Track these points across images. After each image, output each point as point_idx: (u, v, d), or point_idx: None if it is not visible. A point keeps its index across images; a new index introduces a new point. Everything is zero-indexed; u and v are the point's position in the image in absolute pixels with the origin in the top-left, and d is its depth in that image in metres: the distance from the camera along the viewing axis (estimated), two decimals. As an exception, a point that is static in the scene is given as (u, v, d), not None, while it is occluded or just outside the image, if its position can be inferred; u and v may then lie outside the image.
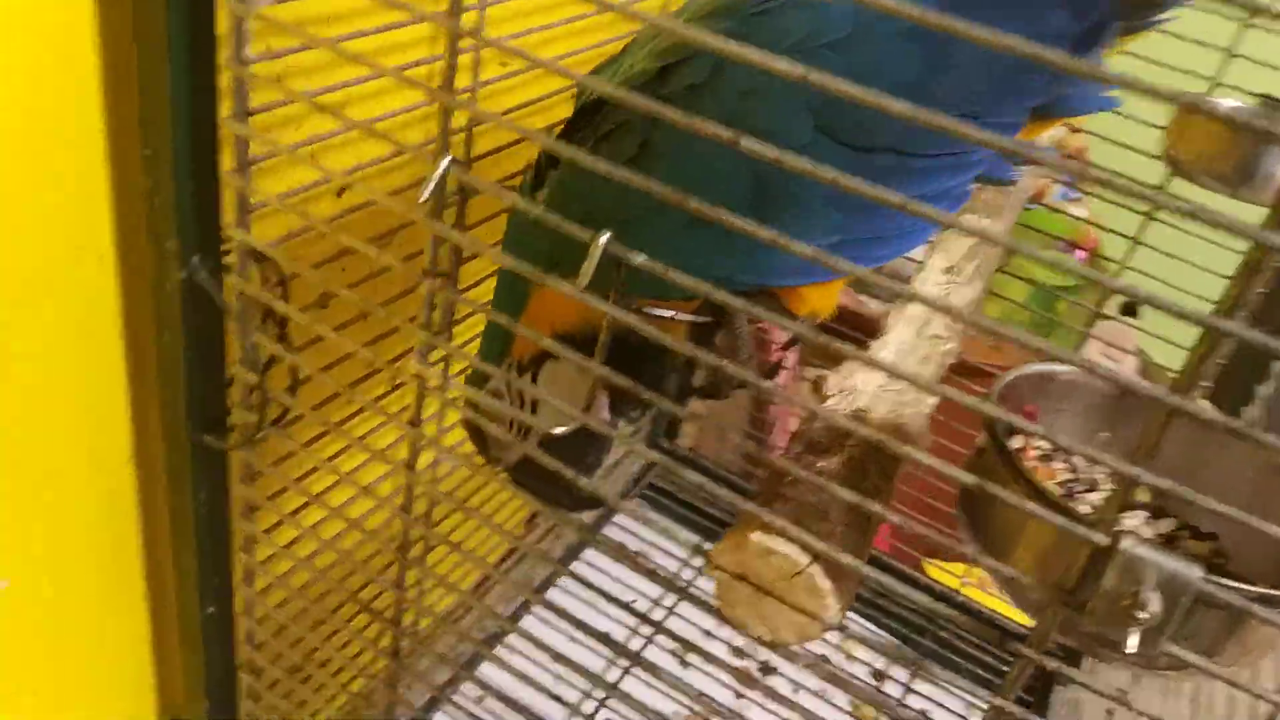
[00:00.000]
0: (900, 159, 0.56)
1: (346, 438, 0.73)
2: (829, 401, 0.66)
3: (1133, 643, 0.43)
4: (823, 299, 0.63)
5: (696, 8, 0.61)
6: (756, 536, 0.52)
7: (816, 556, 0.52)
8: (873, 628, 1.49)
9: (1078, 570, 0.45)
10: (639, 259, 0.50)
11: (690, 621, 1.43)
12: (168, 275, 0.68)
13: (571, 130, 0.67)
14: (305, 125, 0.77)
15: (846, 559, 0.49)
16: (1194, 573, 0.42)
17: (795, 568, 0.51)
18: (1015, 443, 0.59)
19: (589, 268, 0.50)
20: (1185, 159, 1.07)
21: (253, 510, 0.80)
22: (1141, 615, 0.43)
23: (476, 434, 0.76)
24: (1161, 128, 1.03)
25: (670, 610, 1.43)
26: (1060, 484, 0.59)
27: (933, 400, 0.72)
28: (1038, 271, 1.80)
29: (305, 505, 0.82)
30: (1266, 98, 1.12)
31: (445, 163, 0.53)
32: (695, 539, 1.53)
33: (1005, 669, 1.43)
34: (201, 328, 0.71)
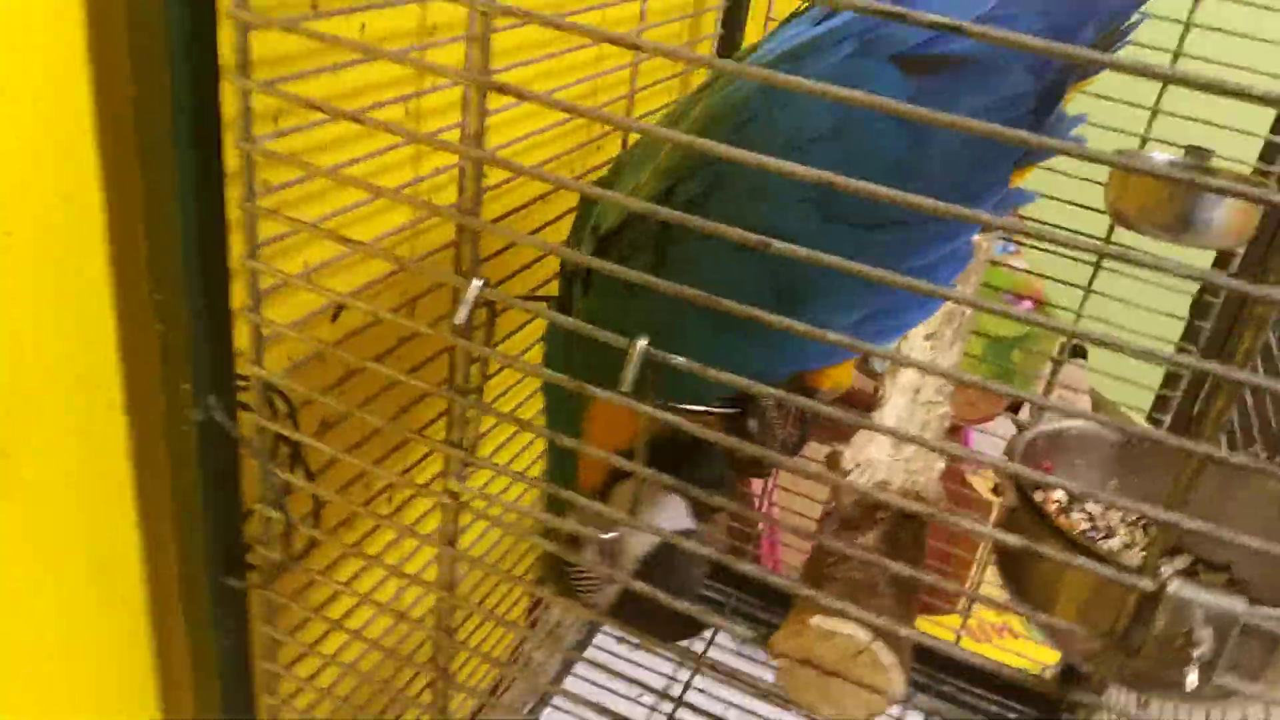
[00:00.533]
0: (906, 229, 0.60)
1: (370, 559, 0.73)
2: (849, 477, 0.68)
3: (1191, 679, 0.45)
4: (843, 372, 0.65)
5: (688, 124, 0.65)
6: (816, 621, 0.54)
7: (877, 633, 0.53)
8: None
9: (1127, 616, 0.48)
10: (678, 360, 0.52)
11: (709, 694, 1.43)
12: (183, 417, 0.68)
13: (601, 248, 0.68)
14: (304, 252, 0.79)
15: (907, 631, 0.51)
16: (1239, 605, 0.45)
17: (858, 646, 0.53)
18: (1036, 497, 0.62)
19: (629, 372, 0.52)
20: (1128, 212, 1.14)
21: (275, 646, 0.79)
22: (1196, 652, 0.45)
23: (559, 575, 0.76)
24: (1103, 184, 1.10)
25: (686, 685, 1.43)
26: (1081, 533, 0.62)
27: (940, 465, 0.75)
28: (990, 324, 1.87)
29: (327, 633, 0.81)
30: (1192, 148, 1.20)
31: (477, 285, 0.55)
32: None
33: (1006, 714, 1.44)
34: (219, 467, 0.71)
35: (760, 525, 1.71)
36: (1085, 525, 0.62)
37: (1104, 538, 0.62)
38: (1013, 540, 0.48)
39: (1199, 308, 1.34)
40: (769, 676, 1.47)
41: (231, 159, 0.63)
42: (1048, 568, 0.55)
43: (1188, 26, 1.17)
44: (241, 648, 0.78)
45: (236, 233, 0.66)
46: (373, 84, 0.81)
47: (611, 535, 0.58)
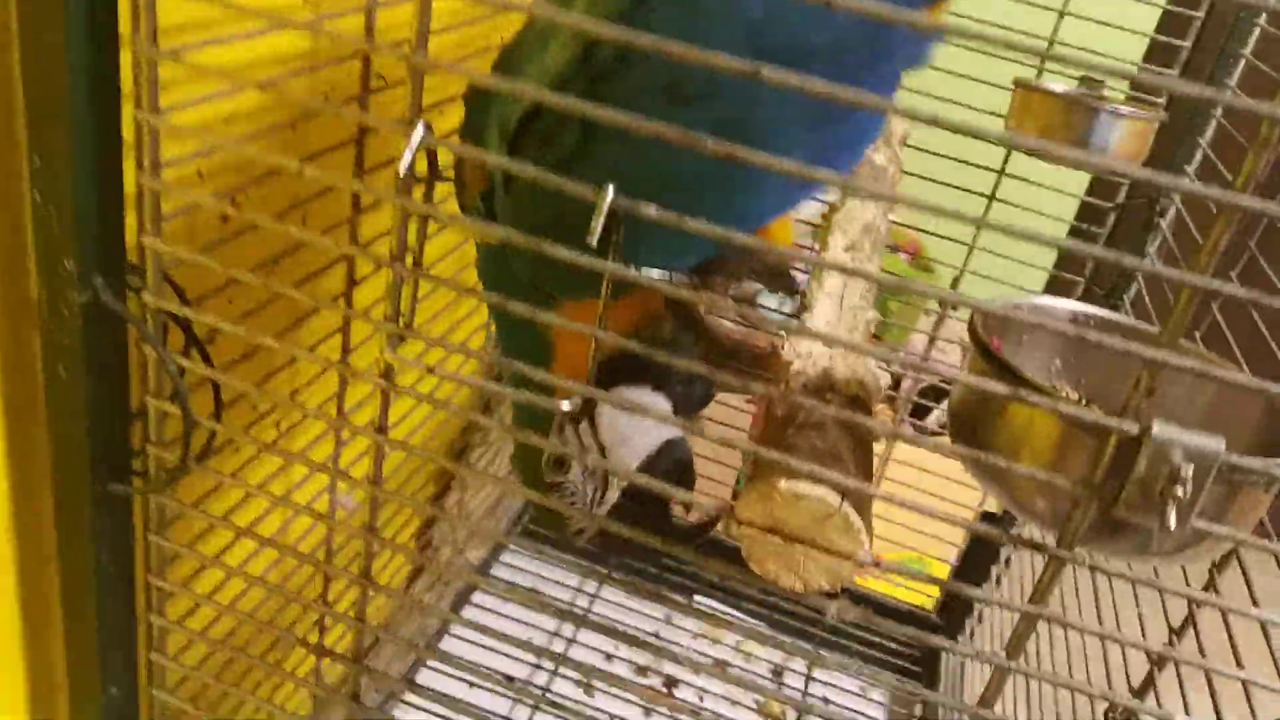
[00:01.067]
0: (837, 65, 0.57)
1: (282, 453, 0.67)
2: (794, 366, 0.67)
3: (1172, 519, 0.45)
4: (783, 231, 0.64)
5: None
6: (785, 484, 0.52)
7: (845, 495, 0.52)
8: (765, 627, 1.51)
9: (1107, 462, 0.47)
10: (650, 209, 0.49)
11: (592, 648, 1.41)
12: (64, 299, 0.60)
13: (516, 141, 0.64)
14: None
15: (877, 492, 0.50)
16: (1218, 445, 0.45)
17: (828, 510, 0.51)
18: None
19: (598, 222, 0.49)
20: (1028, 135, 1.17)
21: (167, 562, 0.71)
22: (1179, 491, 0.45)
23: (546, 509, 0.72)
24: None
25: (570, 640, 1.40)
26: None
27: (873, 361, 0.75)
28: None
29: (231, 544, 0.74)
30: (1086, 78, 1.25)
31: (420, 131, 0.50)
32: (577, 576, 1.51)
33: (895, 646, 1.48)
34: (104, 357, 0.63)
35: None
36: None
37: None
38: (1000, 389, 0.47)
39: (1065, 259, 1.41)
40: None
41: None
42: (1009, 429, 0.55)
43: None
44: (125, 564, 0.70)
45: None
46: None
47: (572, 403, 0.55)
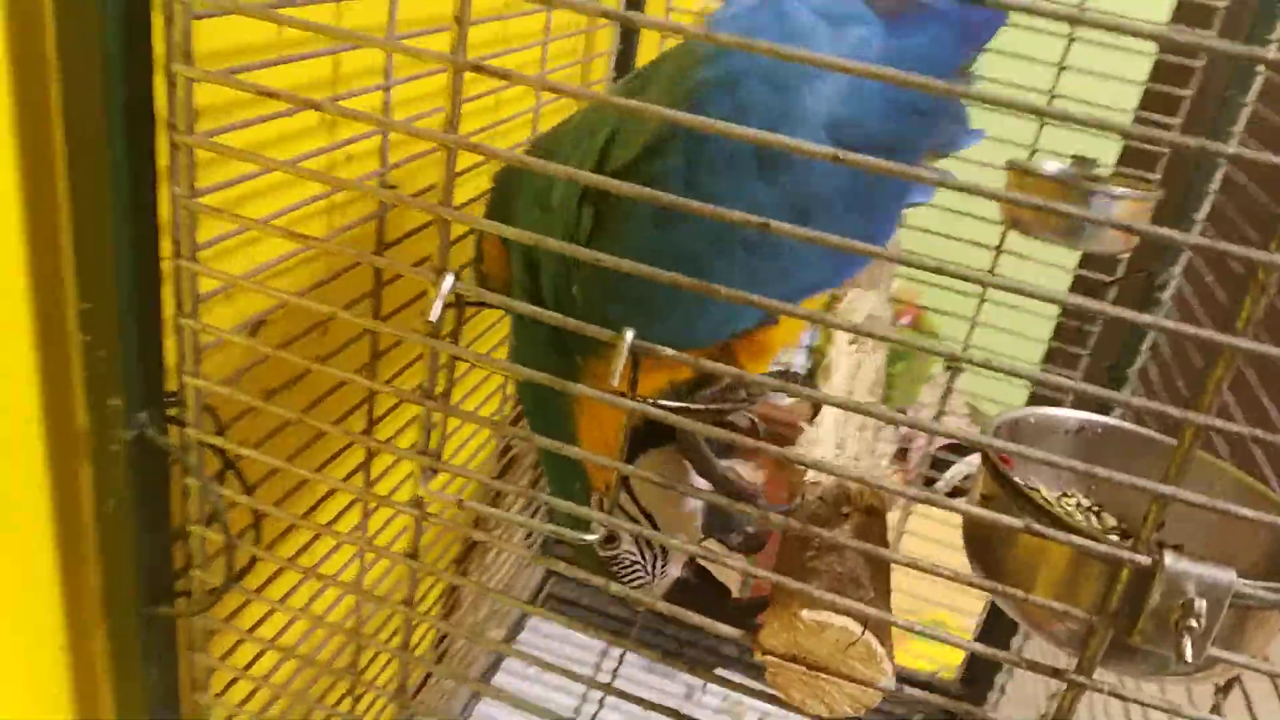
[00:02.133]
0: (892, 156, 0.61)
1: (309, 573, 0.69)
2: (809, 475, 0.68)
3: (1189, 651, 0.47)
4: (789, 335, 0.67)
5: (661, 80, 0.64)
6: (807, 614, 0.53)
7: (867, 624, 0.53)
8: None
9: (1120, 591, 0.49)
10: (667, 352, 0.51)
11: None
12: (112, 435, 0.63)
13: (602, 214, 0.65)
14: (234, 259, 0.74)
15: (900, 621, 0.51)
16: (1230, 577, 0.47)
17: (850, 639, 0.53)
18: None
19: (618, 365, 0.51)
20: (1023, 219, 1.19)
21: (208, 675, 0.73)
22: (1193, 624, 0.47)
23: (604, 571, 0.73)
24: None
25: (595, 715, 1.41)
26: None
27: (884, 464, 0.76)
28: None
29: (261, 653, 0.76)
30: (1078, 158, 1.27)
31: (449, 280, 0.53)
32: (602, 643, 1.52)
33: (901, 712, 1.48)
34: (149, 488, 0.66)
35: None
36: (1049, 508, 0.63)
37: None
38: (1014, 523, 0.49)
39: (1062, 331, 1.42)
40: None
41: (163, 156, 0.59)
42: (1024, 549, 0.56)
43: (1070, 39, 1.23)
44: (171, 679, 0.72)
45: (165, 236, 0.61)
46: (299, 84, 0.77)
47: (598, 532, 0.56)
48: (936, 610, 1.32)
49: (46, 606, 0.70)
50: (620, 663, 1.50)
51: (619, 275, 0.50)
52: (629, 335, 0.51)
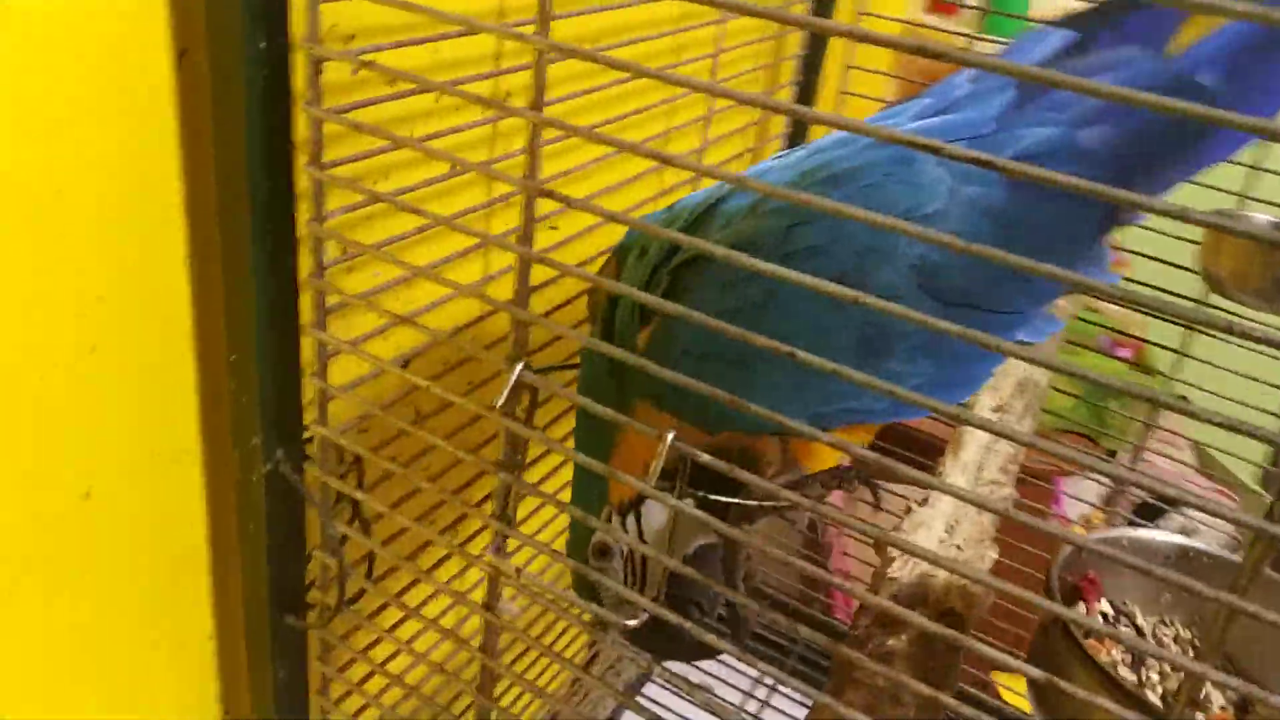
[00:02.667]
0: (981, 314, 0.61)
1: (410, 611, 0.75)
2: (893, 566, 0.68)
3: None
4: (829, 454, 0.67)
5: (804, 174, 0.66)
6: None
7: (893, 744, 0.53)
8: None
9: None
10: (704, 458, 0.53)
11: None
12: (252, 469, 0.72)
13: (675, 282, 0.68)
14: (359, 321, 0.82)
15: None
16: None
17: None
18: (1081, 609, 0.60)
19: (656, 467, 0.53)
20: (1221, 275, 1.09)
21: (327, 683, 0.82)
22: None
23: (589, 589, 0.77)
24: (1197, 243, 1.06)
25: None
26: (1116, 659, 0.60)
27: (992, 556, 0.74)
28: (1093, 362, 1.81)
29: (370, 674, 0.84)
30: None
31: (518, 369, 0.57)
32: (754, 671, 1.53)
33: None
34: (282, 516, 0.74)
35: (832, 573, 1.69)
36: (1119, 653, 0.59)
37: (1142, 665, 0.59)
38: (1036, 673, 0.47)
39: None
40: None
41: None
42: (1076, 701, 0.54)
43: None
44: (299, 682, 0.81)
45: (304, 296, 0.69)
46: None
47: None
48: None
49: (200, 609, 0.81)
50: (772, 692, 1.51)
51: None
52: (669, 437, 0.53)
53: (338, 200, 0.72)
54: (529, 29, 0.49)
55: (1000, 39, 1.49)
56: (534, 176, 0.52)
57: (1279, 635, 0.59)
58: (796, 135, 1.41)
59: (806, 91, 1.38)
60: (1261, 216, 1.10)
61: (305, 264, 0.67)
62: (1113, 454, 1.92)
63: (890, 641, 0.59)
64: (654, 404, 0.66)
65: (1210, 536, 1.78)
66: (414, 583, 0.95)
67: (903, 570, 0.67)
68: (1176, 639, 0.62)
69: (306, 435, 0.74)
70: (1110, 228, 0.65)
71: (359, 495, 0.72)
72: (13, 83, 0.55)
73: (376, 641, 0.85)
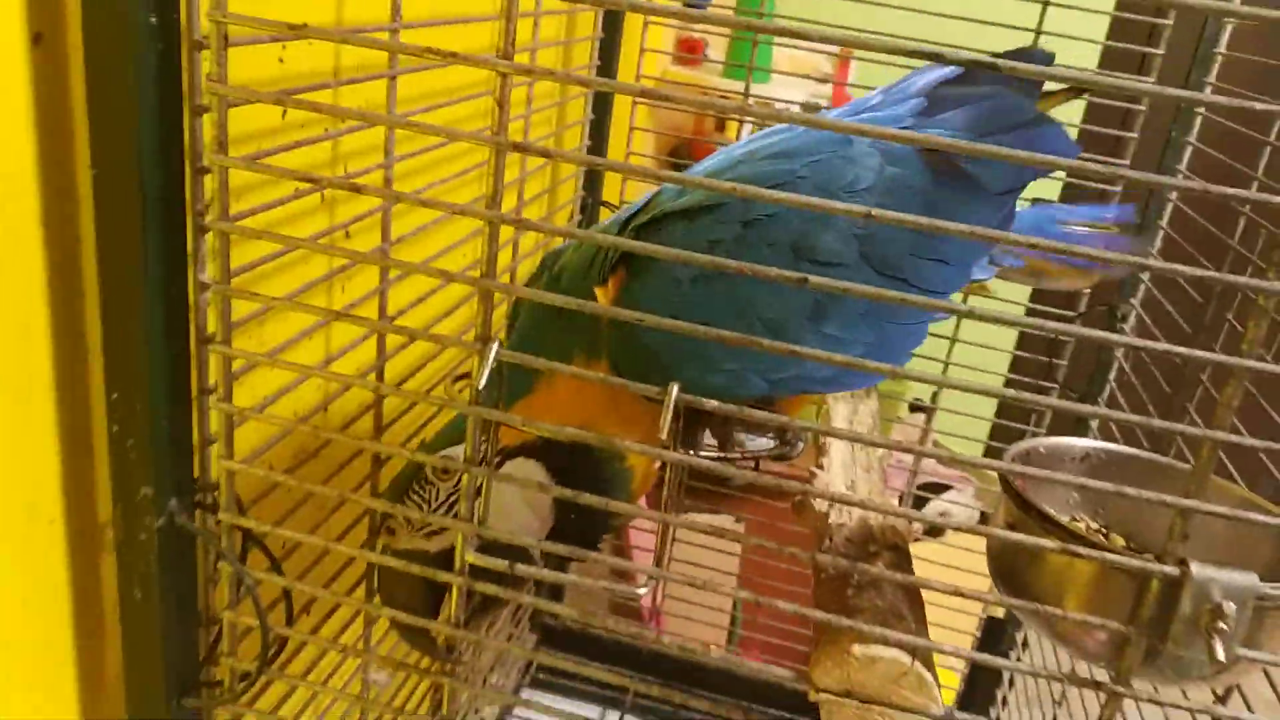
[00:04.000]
0: (908, 286, 0.67)
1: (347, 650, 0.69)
2: (831, 517, 0.71)
3: (1220, 651, 0.50)
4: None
5: (753, 153, 0.71)
6: (859, 649, 0.55)
7: (915, 654, 0.55)
8: None
9: (1152, 602, 0.52)
10: (710, 405, 0.53)
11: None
12: (141, 525, 0.63)
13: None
14: (260, 333, 0.75)
15: (949, 648, 0.54)
16: (1253, 580, 0.50)
17: (902, 669, 0.55)
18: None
19: (666, 419, 0.53)
20: (1048, 272, 1.25)
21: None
22: (1223, 627, 0.50)
23: (399, 495, 0.71)
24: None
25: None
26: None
27: (893, 501, 0.79)
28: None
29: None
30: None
31: (494, 348, 0.55)
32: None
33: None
34: (178, 576, 0.65)
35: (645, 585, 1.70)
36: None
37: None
38: (1050, 545, 0.51)
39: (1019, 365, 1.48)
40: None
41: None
42: (1051, 570, 0.59)
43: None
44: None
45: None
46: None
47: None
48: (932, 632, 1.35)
49: (66, 706, 0.68)
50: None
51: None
52: (674, 390, 0.53)
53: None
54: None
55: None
56: (504, 132, 0.51)
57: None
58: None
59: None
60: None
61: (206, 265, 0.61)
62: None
63: (872, 570, 0.62)
64: (595, 359, 0.67)
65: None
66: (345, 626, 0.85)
67: (844, 517, 0.71)
68: (1088, 529, 0.70)
69: (196, 480, 0.65)
70: (1006, 216, 0.75)
71: (286, 532, 0.64)
72: None
73: (291, 692, 0.76)
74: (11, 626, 0.63)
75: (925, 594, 0.93)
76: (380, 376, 0.85)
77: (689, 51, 2.26)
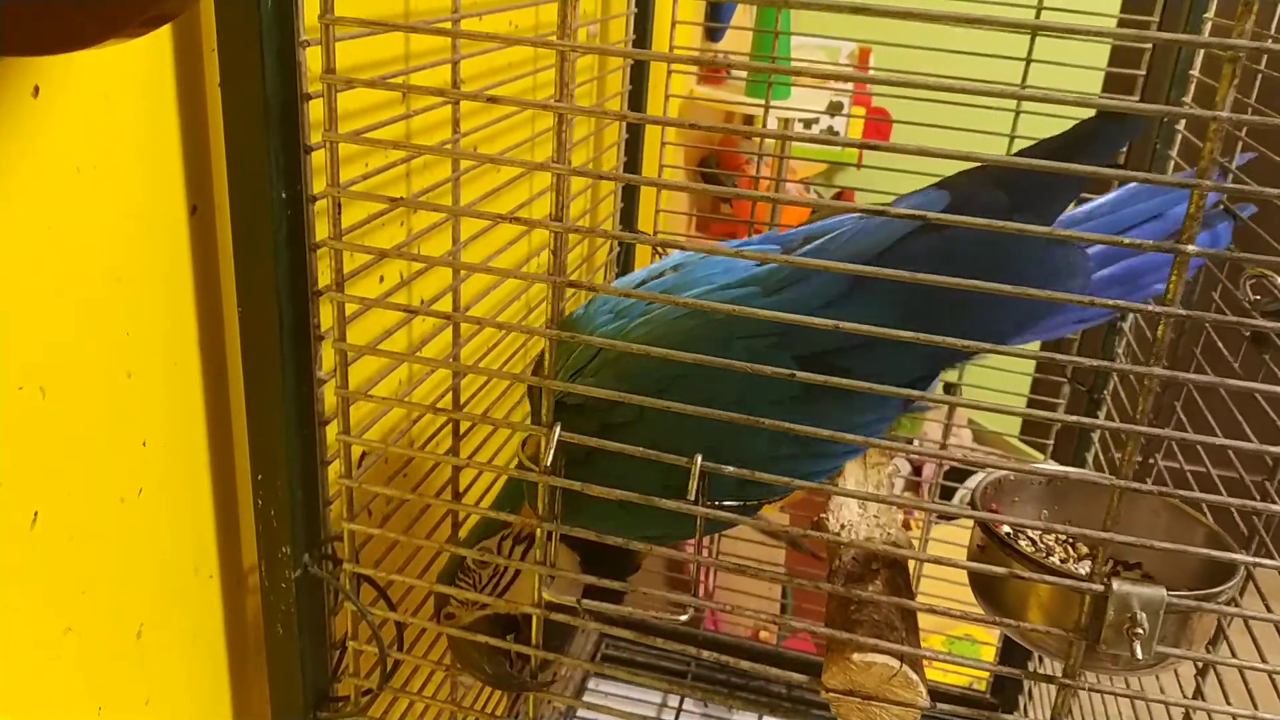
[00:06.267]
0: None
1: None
2: (841, 537, 0.85)
3: (1139, 651, 0.63)
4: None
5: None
6: (856, 656, 0.69)
7: (903, 659, 0.70)
8: None
9: (1086, 613, 0.66)
10: (729, 470, 0.68)
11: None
12: (283, 576, 0.79)
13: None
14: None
15: (927, 653, 0.68)
16: (1161, 593, 0.64)
17: (891, 672, 0.69)
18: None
19: (694, 485, 0.67)
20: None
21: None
22: (1140, 631, 0.63)
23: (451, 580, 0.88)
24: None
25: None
26: (1038, 555, 0.80)
27: (900, 517, 0.93)
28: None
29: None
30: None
31: (558, 430, 0.70)
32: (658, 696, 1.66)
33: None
34: (313, 615, 0.81)
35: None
36: (1030, 549, 0.80)
37: (1047, 556, 0.80)
38: (999, 570, 0.65)
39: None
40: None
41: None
42: (1018, 586, 0.73)
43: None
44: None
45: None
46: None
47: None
48: (969, 626, 1.48)
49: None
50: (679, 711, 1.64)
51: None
52: (699, 460, 0.68)
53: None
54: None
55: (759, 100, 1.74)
56: (562, 272, 0.66)
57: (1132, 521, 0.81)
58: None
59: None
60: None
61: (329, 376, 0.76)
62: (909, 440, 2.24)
63: (870, 589, 0.76)
64: None
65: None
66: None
67: (846, 538, 0.85)
68: (1058, 540, 0.84)
69: (324, 539, 0.81)
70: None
71: (395, 576, 0.80)
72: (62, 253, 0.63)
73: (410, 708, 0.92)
74: (183, 659, 0.79)
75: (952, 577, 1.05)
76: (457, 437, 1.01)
77: (712, 71, 2.40)
